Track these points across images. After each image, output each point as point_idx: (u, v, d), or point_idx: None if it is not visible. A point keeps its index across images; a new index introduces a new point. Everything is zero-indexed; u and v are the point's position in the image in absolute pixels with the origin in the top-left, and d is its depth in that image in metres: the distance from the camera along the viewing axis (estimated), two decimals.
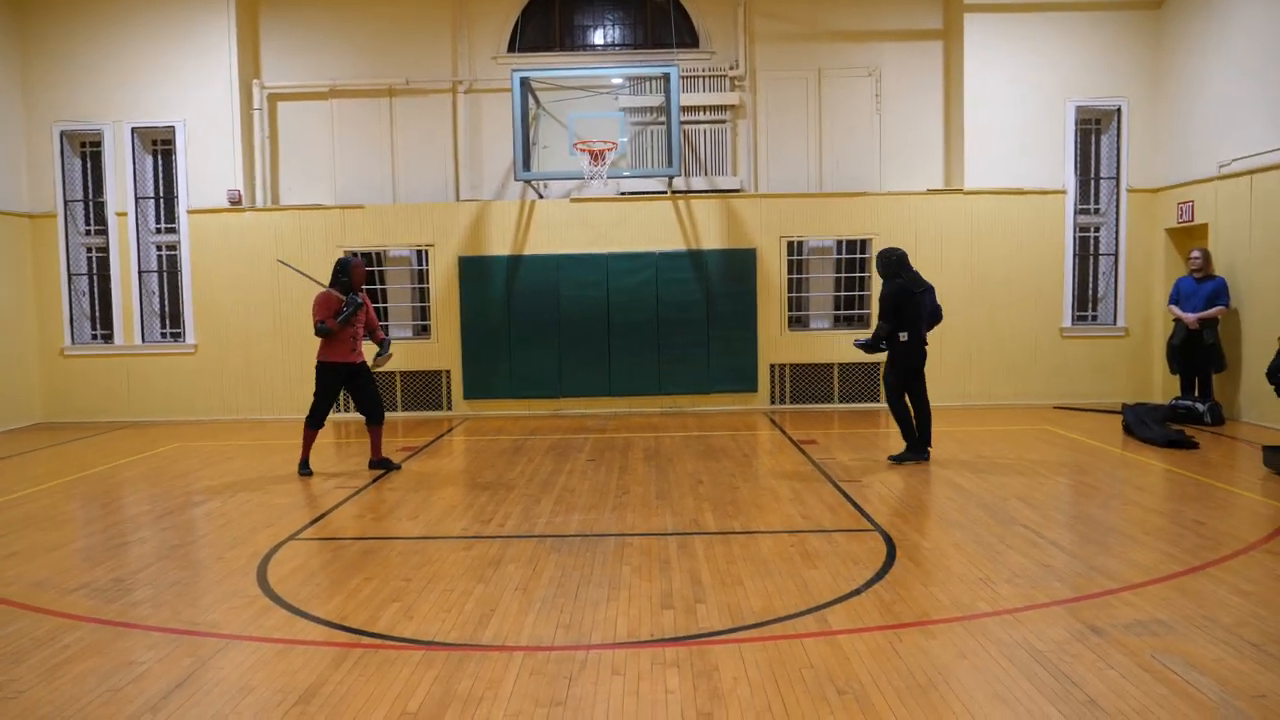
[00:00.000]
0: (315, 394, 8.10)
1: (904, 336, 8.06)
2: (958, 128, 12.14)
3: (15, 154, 12.10)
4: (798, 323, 12.45)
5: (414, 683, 3.75)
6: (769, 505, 6.79)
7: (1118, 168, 12.11)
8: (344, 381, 8.12)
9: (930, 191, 12.13)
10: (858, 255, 12.26)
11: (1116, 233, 12.16)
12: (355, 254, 11.51)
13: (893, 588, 4.83)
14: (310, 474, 8.23)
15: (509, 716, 3.44)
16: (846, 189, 12.31)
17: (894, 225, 12.01)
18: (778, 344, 12.16)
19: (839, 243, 12.31)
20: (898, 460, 8.24)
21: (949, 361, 12.06)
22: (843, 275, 12.39)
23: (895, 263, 8.15)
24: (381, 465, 8.43)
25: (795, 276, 12.34)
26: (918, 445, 8.25)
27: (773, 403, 12.22)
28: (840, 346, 12.09)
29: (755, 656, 3.94)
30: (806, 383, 12.23)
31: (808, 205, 12.08)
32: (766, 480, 7.73)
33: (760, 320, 12.10)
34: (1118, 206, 12.13)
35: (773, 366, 12.18)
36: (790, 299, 12.28)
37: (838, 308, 12.53)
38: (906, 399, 8.22)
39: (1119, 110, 12.01)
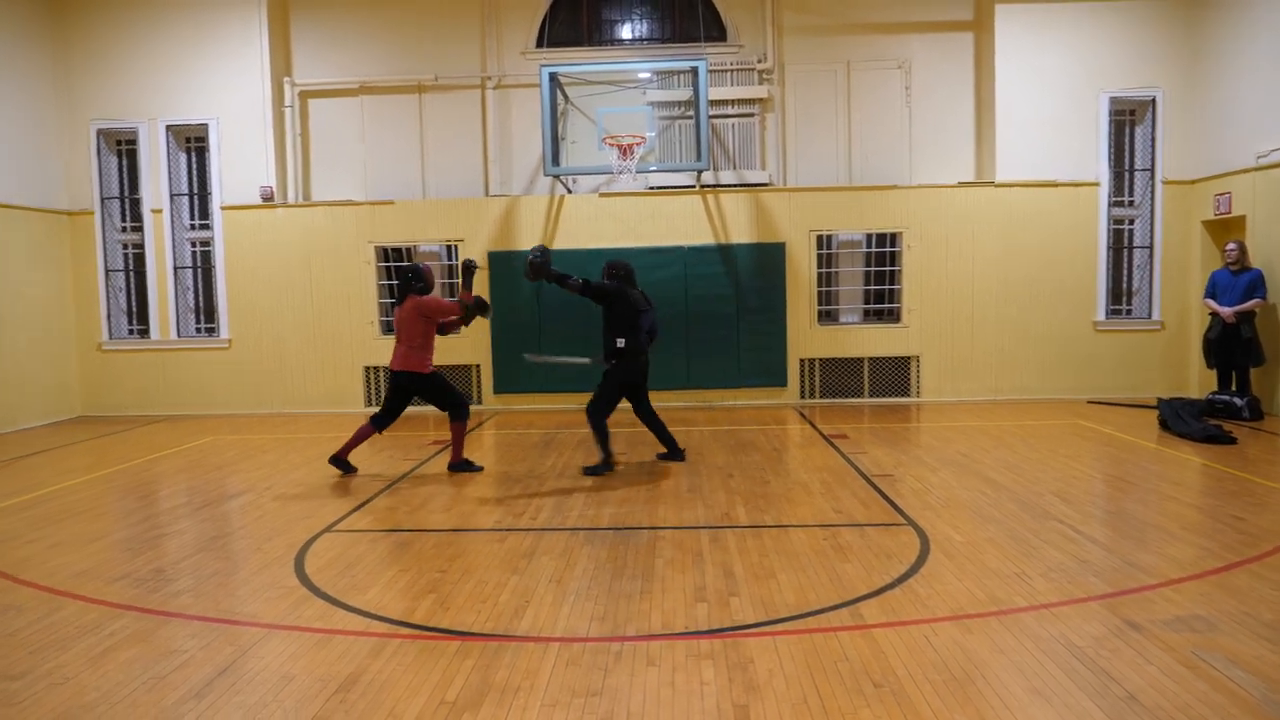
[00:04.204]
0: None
1: (621, 343, 7.84)
2: (989, 120, 12.02)
3: (54, 152, 12.29)
4: (827, 317, 12.40)
5: (452, 672, 3.79)
6: (800, 499, 6.78)
7: (1152, 159, 11.95)
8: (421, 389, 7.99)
9: (961, 184, 12.03)
10: (888, 249, 12.19)
11: (1151, 225, 12.00)
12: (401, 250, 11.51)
13: (927, 582, 4.81)
14: (353, 470, 8.10)
15: (546, 706, 3.47)
16: (876, 182, 12.25)
17: (924, 218, 11.93)
18: (807, 338, 12.12)
19: (869, 236, 12.25)
20: (593, 472, 7.82)
21: (981, 355, 11.97)
22: (872, 269, 12.32)
23: (621, 276, 8.03)
24: (463, 467, 8.14)
25: (825, 270, 12.29)
26: (609, 461, 7.99)
27: (802, 397, 12.18)
28: (871, 341, 12.03)
29: (790, 649, 3.95)
30: (836, 377, 12.18)
31: (837, 198, 12.02)
32: (797, 474, 7.72)
33: (789, 314, 12.06)
34: (1153, 198, 11.97)
35: (802, 361, 12.14)
36: (820, 293, 12.23)
37: (868, 301, 12.46)
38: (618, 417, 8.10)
39: (1153, 101, 11.84)
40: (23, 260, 11.61)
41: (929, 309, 12.02)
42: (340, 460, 8.05)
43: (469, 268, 7.99)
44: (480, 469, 8.17)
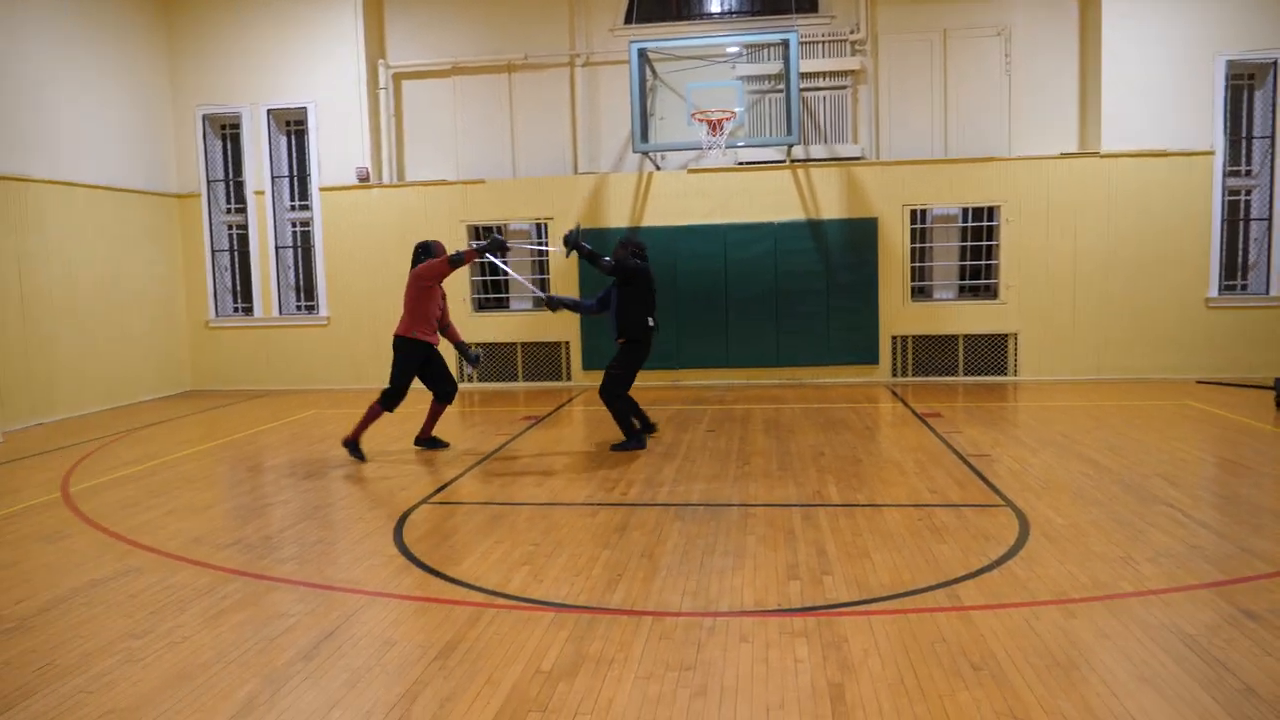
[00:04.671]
0: (395, 371, 7.89)
1: (651, 321, 7.83)
2: (1094, 87, 11.52)
3: (163, 137, 12.82)
4: (921, 293, 12.11)
5: (547, 642, 3.85)
6: (893, 478, 6.67)
7: (1273, 126, 11.29)
8: (423, 361, 8.01)
9: (1064, 155, 11.58)
10: (984, 223, 11.83)
11: (1271, 196, 11.36)
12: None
13: (1027, 564, 4.68)
14: (363, 459, 7.85)
15: (640, 678, 3.50)
16: (973, 154, 11.88)
17: (1024, 191, 11.53)
18: (900, 315, 11.87)
19: (964, 210, 11.90)
20: (622, 449, 7.89)
21: (1083, 333, 11.55)
22: (969, 244, 11.98)
23: (641, 255, 7.89)
24: (429, 444, 8.26)
25: (918, 246, 12.00)
26: (640, 434, 8.00)
27: (894, 375, 11.96)
28: (967, 318, 11.73)
29: (885, 629, 3.90)
30: (930, 355, 11.91)
31: (932, 172, 11.70)
32: (890, 453, 7.59)
33: (881, 291, 11.82)
34: (1272, 168, 11.32)
35: (894, 338, 11.91)
36: (913, 269, 11.95)
37: (963, 277, 12.13)
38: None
39: (1275, 64, 11.17)
40: (137, 242, 12.17)
41: (1028, 285, 11.63)
42: (352, 445, 7.90)
43: (488, 247, 7.92)
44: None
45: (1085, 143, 11.82)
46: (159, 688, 3.54)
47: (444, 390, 8.16)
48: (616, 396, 7.92)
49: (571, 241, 7.79)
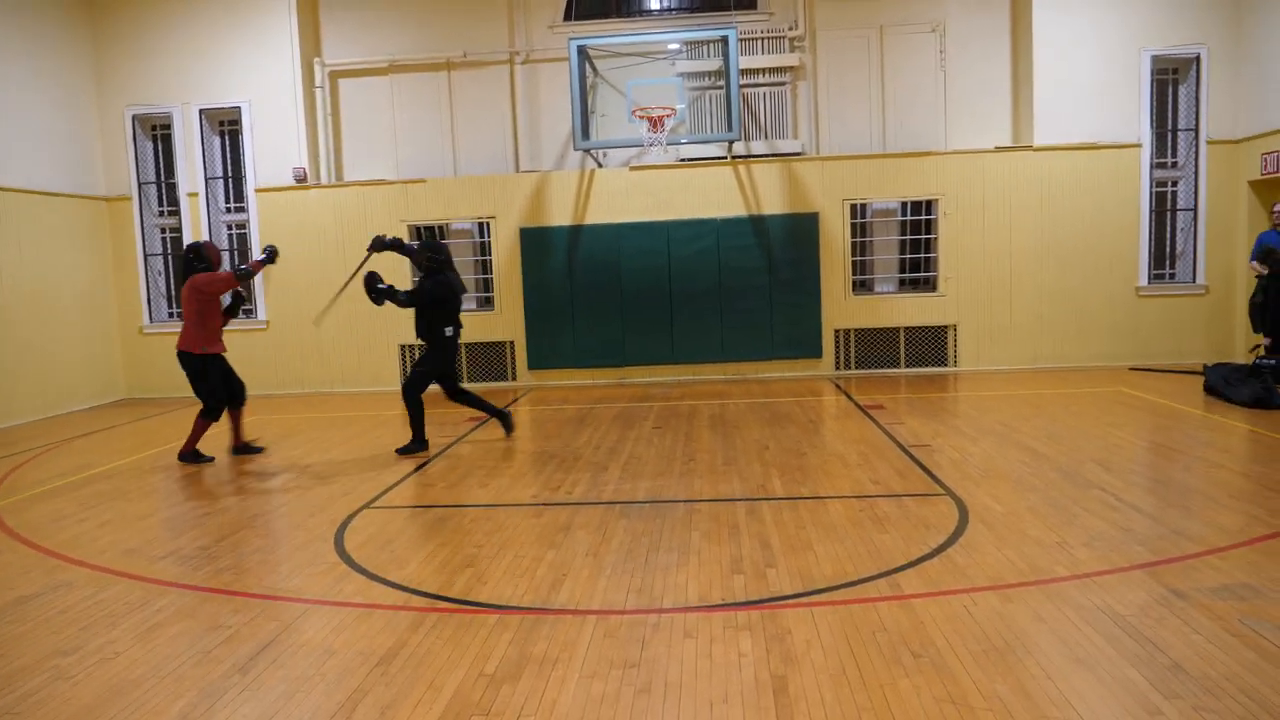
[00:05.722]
0: (206, 388, 7.79)
1: (450, 331, 7.97)
2: (1026, 82, 11.77)
3: (91, 139, 12.46)
4: (862, 287, 12.27)
5: (490, 645, 3.82)
6: (837, 470, 6.74)
7: (1196, 119, 11.64)
8: (223, 370, 7.97)
9: (998, 149, 11.81)
10: (923, 216, 12.01)
11: (1196, 187, 11.71)
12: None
13: (966, 551, 4.77)
14: (208, 459, 7.95)
15: (585, 677, 3.48)
16: (911, 149, 12.06)
17: (960, 184, 11.73)
18: (842, 308, 12.00)
19: (904, 204, 12.07)
20: (405, 452, 7.99)
21: (1019, 323, 11.80)
22: (908, 237, 12.15)
23: (444, 261, 7.98)
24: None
25: (859, 240, 12.15)
26: (423, 440, 8.08)
27: (837, 368, 12.10)
28: (907, 310, 11.91)
29: (828, 620, 3.93)
30: (872, 347, 12.07)
31: (871, 166, 11.85)
32: (834, 446, 7.67)
33: (824, 285, 11.95)
34: (1197, 159, 11.67)
35: (837, 331, 12.04)
36: (854, 263, 12.10)
37: (903, 270, 12.31)
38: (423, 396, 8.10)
39: (1198, 58, 11.51)
40: (65, 246, 11.81)
41: (966, 277, 11.85)
42: (191, 455, 7.93)
43: (270, 256, 8.00)
44: (211, 460, 7.98)
45: (1018, 136, 12.06)
46: (90, 705, 3.44)
47: (237, 395, 8.10)
48: (414, 393, 7.99)
49: (394, 298, 7.78)
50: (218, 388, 7.87)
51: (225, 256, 12.53)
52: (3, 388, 10.64)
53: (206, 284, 7.70)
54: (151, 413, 11.32)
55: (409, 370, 7.92)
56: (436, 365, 8.03)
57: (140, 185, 12.69)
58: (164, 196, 12.90)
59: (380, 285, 7.78)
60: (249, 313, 12.76)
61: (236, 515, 6.21)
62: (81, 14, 12.28)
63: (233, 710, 3.35)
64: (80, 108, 12.27)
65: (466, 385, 12.23)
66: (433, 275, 7.90)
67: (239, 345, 12.48)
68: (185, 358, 7.77)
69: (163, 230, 12.94)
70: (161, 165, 12.89)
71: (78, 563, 5.25)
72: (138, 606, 4.48)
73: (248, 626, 4.15)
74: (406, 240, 8.16)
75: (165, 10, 12.35)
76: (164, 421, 10.59)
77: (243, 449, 8.25)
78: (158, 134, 12.87)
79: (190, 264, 7.78)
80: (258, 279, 12.41)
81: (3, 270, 10.70)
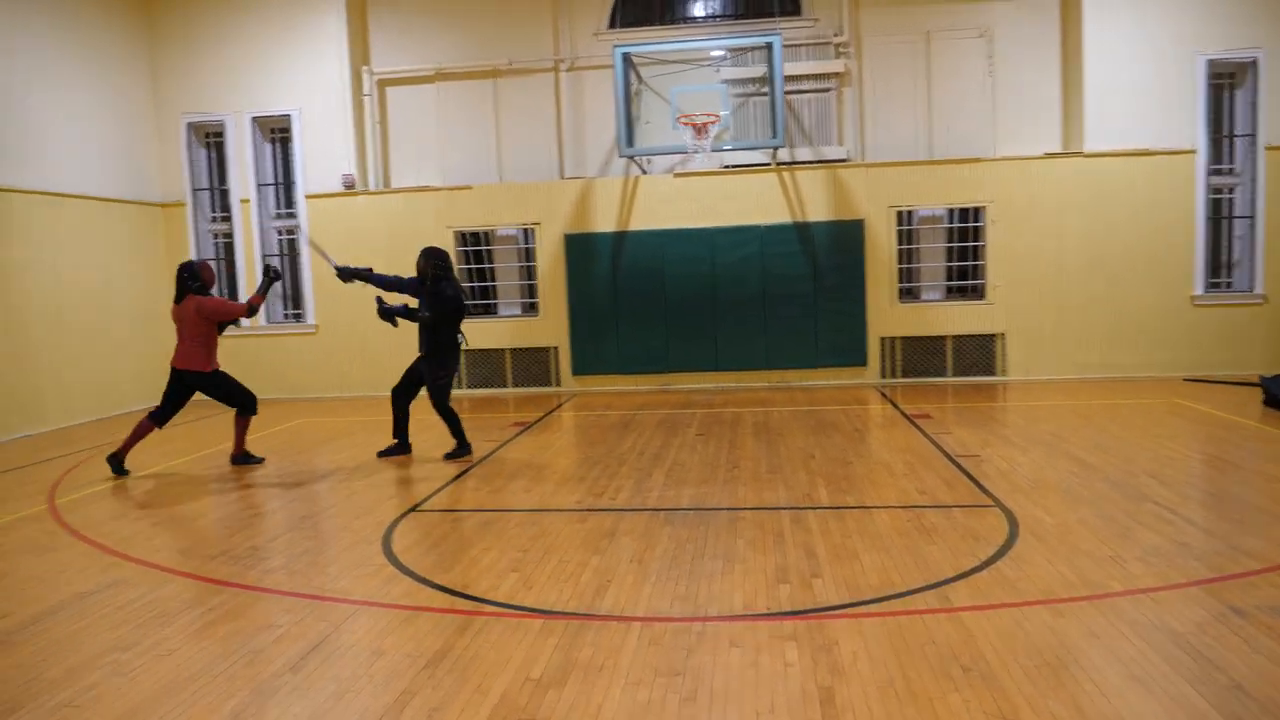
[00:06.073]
0: (228, 392, 7.91)
1: (464, 342, 7.97)
2: (1076, 87, 11.58)
3: (147, 146, 12.76)
4: (908, 295, 12.14)
5: (536, 650, 3.84)
6: (883, 480, 6.67)
7: (1254, 124, 11.37)
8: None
9: (1048, 155, 11.64)
10: (970, 224, 11.87)
11: (1253, 194, 11.44)
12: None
13: (1016, 564, 4.69)
14: (125, 473, 7.88)
15: (630, 685, 3.48)
16: (958, 155, 11.92)
17: (1009, 191, 11.58)
18: (888, 317, 11.90)
19: (950, 211, 11.94)
20: (452, 457, 8.02)
21: (1070, 332, 11.60)
22: (955, 245, 12.02)
23: (448, 267, 7.88)
24: (244, 460, 8.17)
25: (905, 247, 12.03)
26: (466, 444, 8.11)
27: (883, 377, 11.99)
28: (954, 318, 11.77)
29: (875, 631, 3.89)
30: (918, 356, 11.94)
31: (917, 173, 11.74)
32: (880, 455, 7.60)
33: (869, 293, 11.85)
34: (1254, 166, 11.40)
35: (883, 339, 11.93)
36: (900, 270, 11.99)
37: (950, 278, 12.17)
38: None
39: (1254, 62, 11.25)
40: (122, 251, 12.10)
41: (1015, 285, 11.68)
42: (117, 460, 7.90)
43: (273, 276, 7.99)
44: (261, 460, 8.20)
45: (1069, 143, 11.87)
46: (146, 701, 3.51)
47: (242, 405, 8.10)
48: (444, 405, 7.98)
49: (412, 318, 7.78)
50: (238, 387, 7.99)
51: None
52: (61, 389, 10.92)
53: (216, 312, 7.78)
54: (203, 415, 11.54)
55: (430, 388, 7.91)
56: (451, 371, 8.00)
57: (194, 192, 12.97)
58: (216, 203, 13.17)
59: (395, 309, 7.75)
60: (298, 316, 12.97)
61: (286, 516, 6.31)
62: (139, 26, 12.59)
63: (284, 709, 3.40)
64: (137, 116, 12.57)
65: (508, 390, 12.35)
66: (439, 282, 7.82)
67: (289, 349, 12.75)
68: (196, 377, 7.81)
69: (215, 236, 13.20)
70: (215, 172, 13.16)
71: (134, 560, 5.37)
72: (192, 604, 4.57)
73: (297, 626, 4.21)
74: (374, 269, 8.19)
75: (219, 21, 12.62)
76: (215, 423, 10.79)
77: (242, 459, 8.21)
78: (211, 141, 13.14)
79: (185, 283, 7.79)
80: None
81: (63, 274, 10.99)
